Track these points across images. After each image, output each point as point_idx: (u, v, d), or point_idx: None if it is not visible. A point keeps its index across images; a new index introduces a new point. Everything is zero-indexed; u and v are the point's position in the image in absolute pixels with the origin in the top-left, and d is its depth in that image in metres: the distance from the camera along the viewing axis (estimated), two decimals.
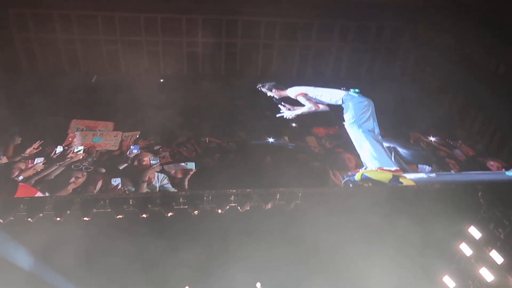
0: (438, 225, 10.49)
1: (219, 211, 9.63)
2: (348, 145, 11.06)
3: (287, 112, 12.17)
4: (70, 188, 8.77)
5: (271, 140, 10.96)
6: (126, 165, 9.57)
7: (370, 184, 9.88)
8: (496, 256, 9.82)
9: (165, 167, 9.56)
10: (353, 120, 11.89)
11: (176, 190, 9.17)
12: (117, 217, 9.28)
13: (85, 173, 9.15)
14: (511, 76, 11.25)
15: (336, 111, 12.41)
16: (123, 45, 13.17)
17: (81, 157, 9.61)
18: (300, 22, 13.56)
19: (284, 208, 10.07)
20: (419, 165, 10.56)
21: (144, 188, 9.03)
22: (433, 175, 10.30)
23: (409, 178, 10.05)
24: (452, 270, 11.29)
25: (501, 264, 9.76)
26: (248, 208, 9.77)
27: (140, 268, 11.51)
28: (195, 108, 11.88)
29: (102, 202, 9.19)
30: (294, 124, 11.76)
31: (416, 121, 12.46)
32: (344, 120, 11.96)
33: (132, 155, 9.87)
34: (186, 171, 9.52)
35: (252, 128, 11.36)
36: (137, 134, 10.53)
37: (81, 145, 9.97)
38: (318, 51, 14.10)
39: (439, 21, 13.21)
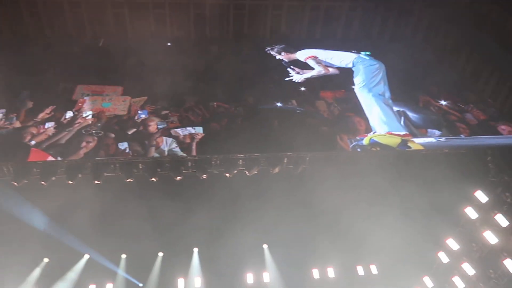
0: (444, 189, 10.54)
1: (227, 175, 9.77)
2: (358, 109, 10.93)
3: (296, 76, 11.96)
4: (82, 152, 8.94)
5: (279, 104, 10.90)
6: (134, 129, 9.66)
7: (378, 149, 9.86)
8: (502, 220, 9.94)
9: (173, 131, 9.63)
10: (364, 84, 11.68)
11: (185, 154, 9.28)
12: (127, 180, 9.49)
13: (96, 138, 9.29)
14: None
15: (344, 74, 12.15)
16: (130, 7, 12.91)
17: (90, 122, 9.71)
18: None
19: (292, 172, 10.17)
20: (428, 130, 10.45)
21: (153, 152, 9.17)
22: (443, 139, 10.21)
23: (417, 142, 9.98)
24: (456, 233, 11.47)
25: (506, 227, 9.88)
26: (256, 172, 9.88)
27: (151, 230, 11.90)
28: (203, 72, 11.77)
29: (112, 166, 9.39)
30: (302, 88, 11.61)
31: (428, 85, 12.18)
32: (353, 84, 11.75)
33: (139, 120, 9.94)
34: (193, 136, 9.59)
35: (260, 92, 11.25)
36: (144, 99, 10.53)
37: (90, 110, 10.05)
38: (328, 11, 13.62)
39: None
